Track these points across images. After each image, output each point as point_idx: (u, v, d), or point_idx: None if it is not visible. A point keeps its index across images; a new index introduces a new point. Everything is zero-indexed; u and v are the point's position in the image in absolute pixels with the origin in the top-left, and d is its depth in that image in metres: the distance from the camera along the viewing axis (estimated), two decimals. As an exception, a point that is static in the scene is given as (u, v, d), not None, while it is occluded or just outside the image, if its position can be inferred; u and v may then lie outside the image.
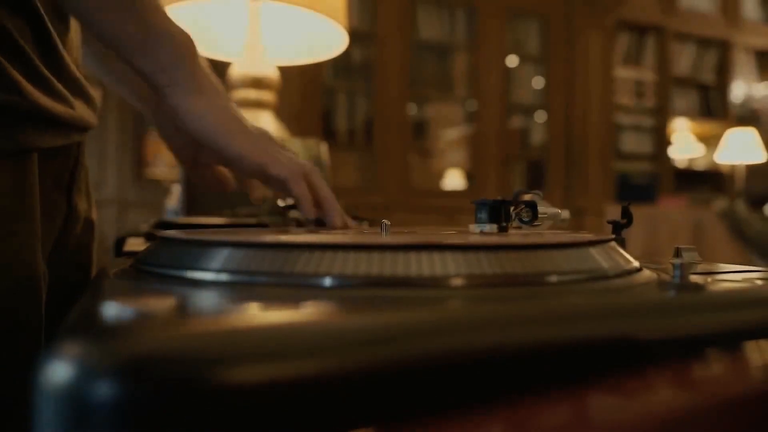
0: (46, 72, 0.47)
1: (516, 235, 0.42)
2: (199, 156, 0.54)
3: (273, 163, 0.50)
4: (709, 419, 0.22)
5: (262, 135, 0.52)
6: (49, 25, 0.48)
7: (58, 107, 0.48)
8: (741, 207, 3.41)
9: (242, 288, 0.30)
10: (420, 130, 3.62)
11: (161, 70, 0.48)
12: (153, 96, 0.51)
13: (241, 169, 0.53)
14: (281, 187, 0.52)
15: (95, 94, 0.56)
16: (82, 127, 0.53)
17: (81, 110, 0.52)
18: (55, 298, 0.53)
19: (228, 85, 1.29)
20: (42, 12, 0.47)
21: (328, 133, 3.24)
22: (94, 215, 0.62)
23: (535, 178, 3.76)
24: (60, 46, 0.49)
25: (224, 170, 0.58)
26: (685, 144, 4.35)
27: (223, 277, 0.31)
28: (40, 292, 0.47)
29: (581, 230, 0.51)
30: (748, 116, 4.33)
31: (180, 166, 0.57)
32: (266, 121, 1.28)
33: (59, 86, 0.48)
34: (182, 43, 0.49)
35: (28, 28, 0.46)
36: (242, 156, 0.49)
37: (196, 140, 0.50)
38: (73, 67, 0.52)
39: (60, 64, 0.50)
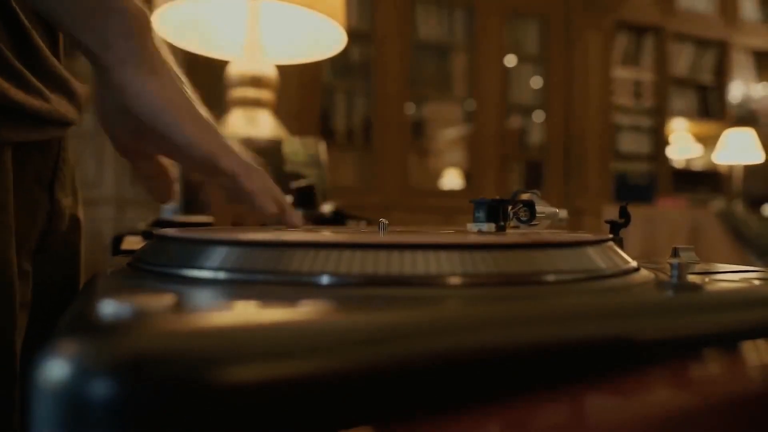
0: (17, 64, 0.46)
1: (514, 234, 0.42)
2: (143, 146, 0.50)
3: (225, 154, 0.47)
4: (706, 419, 0.22)
5: (214, 126, 0.48)
6: (23, 17, 0.47)
7: (30, 100, 0.46)
8: (739, 208, 3.41)
9: (239, 286, 0.30)
10: (418, 129, 3.62)
11: (107, 47, 0.43)
12: (96, 77, 0.47)
13: (188, 159, 0.49)
14: (229, 183, 0.48)
15: (80, 89, 0.55)
16: (60, 122, 0.52)
17: (58, 104, 0.50)
18: (42, 298, 0.52)
19: (227, 83, 1.29)
20: (13, 4, 0.46)
21: (326, 132, 3.24)
22: (81, 213, 0.62)
23: (534, 178, 3.76)
24: (35, 38, 0.48)
25: (167, 173, 0.54)
26: (683, 144, 4.36)
27: (221, 275, 0.31)
28: (14, 287, 0.46)
29: (579, 230, 0.51)
30: (747, 117, 4.33)
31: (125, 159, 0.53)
32: (265, 120, 1.28)
33: (33, 79, 0.47)
34: (134, 17, 0.44)
35: None
36: (192, 143, 0.46)
37: (141, 126, 0.46)
38: (51, 60, 0.50)
39: (35, 56, 0.48)
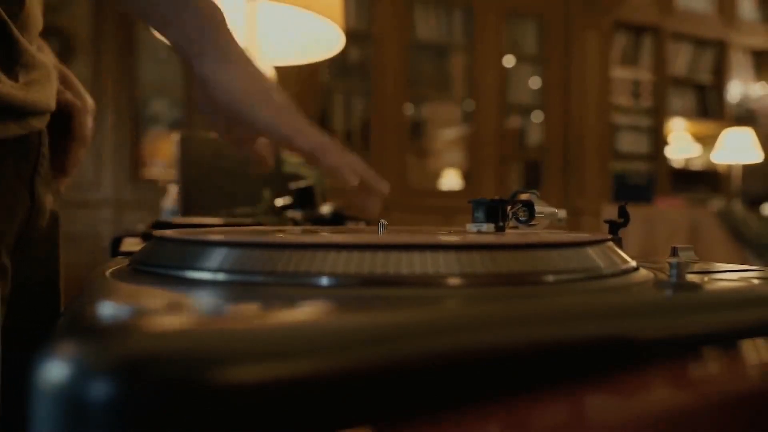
0: None
1: (513, 234, 0.42)
2: (233, 128, 0.54)
3: (299, 135, 0.50)
4: (705, 418, 0.22)
5: (289, 106, 0.52)
6: None
7: (11, 91, 0.46)
8: (738, 207, 3.41)
9: (238, 287, 0.30)
10: (417, 130, 3.62)
11: (188, 41, 0.49)
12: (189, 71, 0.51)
13: (269, 138, 0.54)
14: (310, 160, 0.52)
15: (53, 75, 0.54)
16: (38, 111, 0.51)
17: (36, 92, 0.50)
18: (22, 294, 0.52)
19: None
20: None
21: (325, 132, 3.23)
22: (57, 208, 0.61)
23: (533, 179, 3.76)
24: (10, 27, 0.47)
25: (262, 148, 0.57)
26: (682, 144, 4.36)
27: (220, 276, 0.31)
28: None
29: (578, 230, 0.51)
30: (745, 116, 4.34)
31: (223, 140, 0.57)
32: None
33: (10, 69, 0.47)
34: (209, 13, 0.49)
35: None
36: (269, 126, 0.50)
37: (228, 113, 0.50)
38: (26, 46, 0.49)
39: (10, 46, 0.48)
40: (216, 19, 0.49)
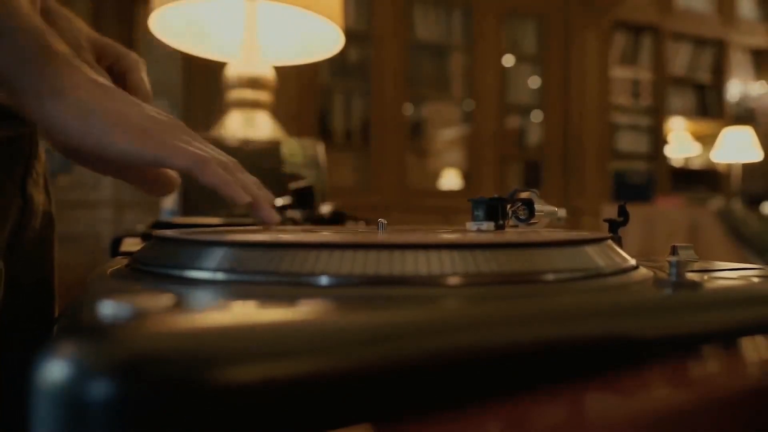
0: None
1: (512, 233, 0.42)
2: (108, 165, 0.45)
3: (171, 153, 0.41)
4: (705, 416, 0.22)
5: (157, 124, 0.43)
6: None
7: None
8: (738, 206, 3.41)
9: (238, 287, 0.30)
10: (417, 130, 3.62)
11: (9, 75, 0.39)
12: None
13: (139, 166, 0.45)
14: (192, 176, 0.43)
15: None
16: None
17: None
18: (16, 295, 0.52)
19: (225, 85, 1.29)
20: None
21: (324, 133, 3.24)
22: (54, 210, 0.61)
23: (532, 178, 3.76)
24: None
25: (163, 171, 0.49)
26: (681, 143, 4.36)
27: (220, 276, 0.31)
28: None
29: (578, 229, 0.51)
30: (745, 115, 4.34)
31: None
32: (263, 122, 1.28)
33: None
34: (25, 39, 0.38)
35: None
36: (130, 155, 0.40)
37: (84, 152, 0.42)
38: None
39: None
40: (40, 41, 0.39)
